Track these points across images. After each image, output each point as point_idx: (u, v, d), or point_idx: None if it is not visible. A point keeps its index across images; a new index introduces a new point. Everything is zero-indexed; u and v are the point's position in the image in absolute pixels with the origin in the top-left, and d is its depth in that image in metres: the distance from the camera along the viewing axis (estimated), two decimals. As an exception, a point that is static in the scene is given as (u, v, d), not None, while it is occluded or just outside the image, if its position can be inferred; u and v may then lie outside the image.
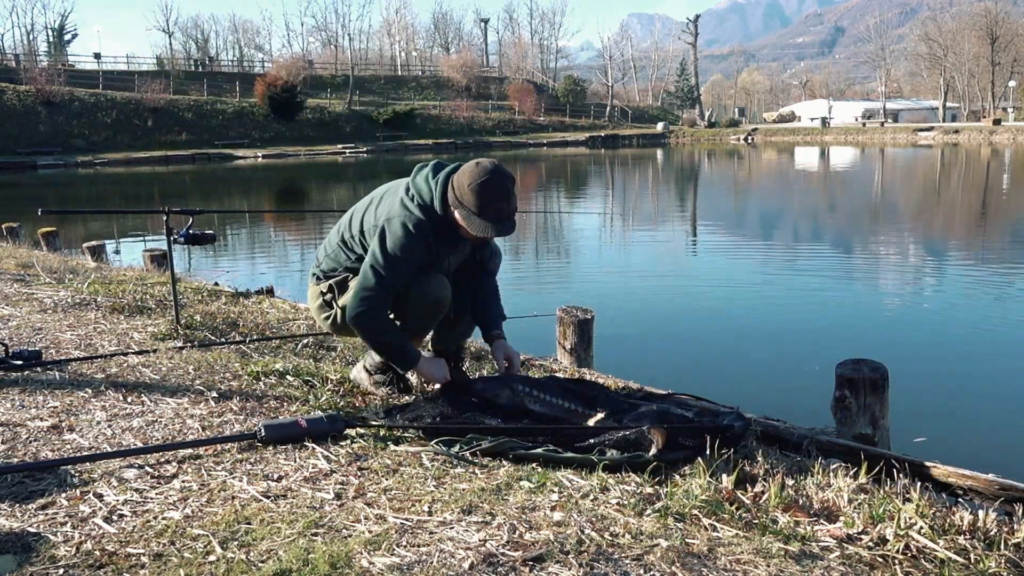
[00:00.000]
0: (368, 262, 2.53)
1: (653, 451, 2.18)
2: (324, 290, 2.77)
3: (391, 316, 2.63)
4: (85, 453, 2.11)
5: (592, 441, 2.26)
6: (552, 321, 3.99)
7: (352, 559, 1.57)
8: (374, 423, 2.34)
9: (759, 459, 2.27)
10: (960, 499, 2.22)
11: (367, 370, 2.86)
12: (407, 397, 2.77)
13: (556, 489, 1.96)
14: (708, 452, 2.22)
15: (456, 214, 2.52)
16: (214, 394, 2.64)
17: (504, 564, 1.57)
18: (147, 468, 2.03)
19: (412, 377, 2.96)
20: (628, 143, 47.91)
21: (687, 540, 1.69)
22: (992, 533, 1.79)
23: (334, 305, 2.74)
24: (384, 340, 2.59)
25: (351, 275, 2.70)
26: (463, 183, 2.49)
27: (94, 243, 7.24)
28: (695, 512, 1.83)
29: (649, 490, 1.97)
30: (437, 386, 2.76)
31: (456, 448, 2.17)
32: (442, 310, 2.70)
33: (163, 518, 1.75)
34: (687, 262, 10.34)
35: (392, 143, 43.44)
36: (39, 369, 2.85)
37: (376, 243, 2.53)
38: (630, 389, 3.06)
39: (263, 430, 2.19)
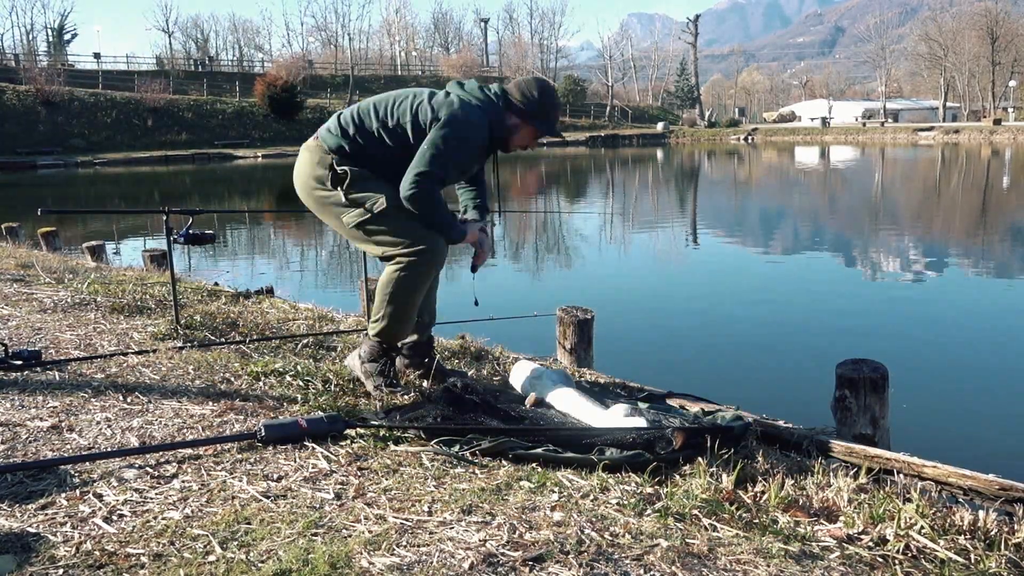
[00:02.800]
0: (433, 141, 2.56)
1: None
2: (339, 162, 2.64)
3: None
4: (85, 453, 2.11)
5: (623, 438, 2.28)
6: (552, 321, 3.99)
7: (352, 559, 1.57)
8: (374, 423, 2.34)
9: (759, 459, 2.27)
10: (960, 499, 2.22)
11: (360, 357, 2.84)
12: (406, 397, 2.77)
13: (556, 489, 1.96)
14: (708, 452, 2.22)
15: (517, 119, 2.70)
16: (214, 394, 2.64)
17: (504, 564, 1.57)
18: (147, 468, 2.03)
19: (400, 363, 2.96)
20: (628, 143, 47.91)
21: (687, 540, 1.69)
22: (992, 533, 1.79)
23: (337, 188, 2.65)
24: (435, 215, 2.64)
25: (374, 173, 2.66)
26: (528, 90, 2.70)
27: (94, 243, 7.24)
28: (695, 512, 1.83)
29: (649, 490, 1.97)
30: (421, 384, 2.78)
31: (456, 448, 2.17)
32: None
33: (163, 518, 1.75)
34: (687, 262, 10.34)
35: (392, 143, 43.39)
36: (39, 369, 2.85)
37: (442, 125, 2.56)
38: (630, 389, 3.06)
39: (263, 430, 2.19)
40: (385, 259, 2.71)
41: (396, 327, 2.75)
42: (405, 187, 2.55)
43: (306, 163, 2.75)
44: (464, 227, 2.77)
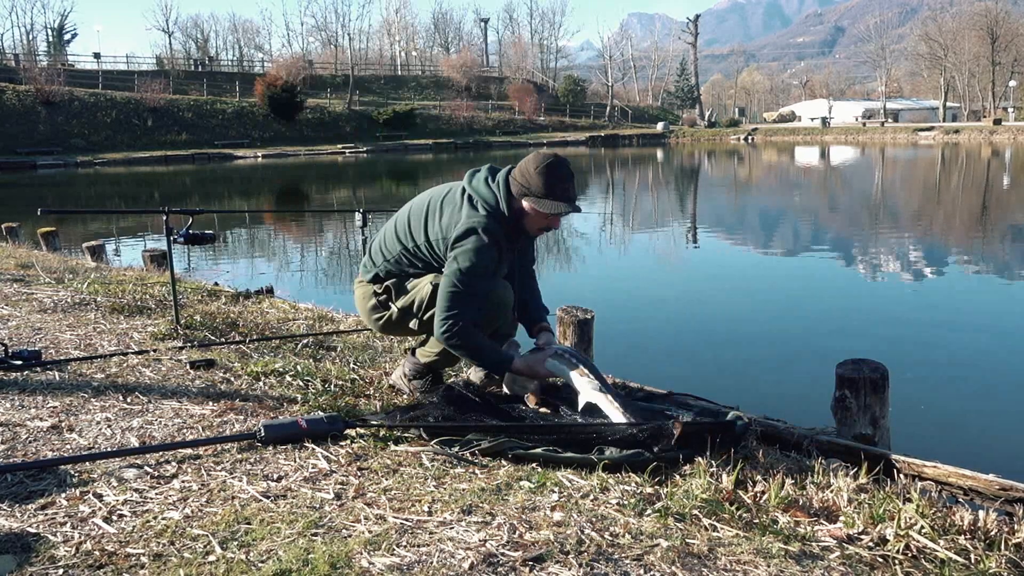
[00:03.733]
0: (449, 279, 2.55)
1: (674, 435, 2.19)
2: (379, 291, 2.79)
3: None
4: (85, 453, 2.11)
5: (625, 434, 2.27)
6: (552, 321, 3.98)
7: (352, 559, 1.57)
8: (374, 423, 2.34)
9: (759, 459, 2.27)
10: (960, 499, 2.21)
11: (406, 376, 2.87)
12: (406, 398, 2.77)
13: (556, 489, 1.96)
14: (708, 452, 2.21)
15: (524, 204, 2.59)
16: (214, 394, 2.64)
17: (504, 564, 1.57)
18: (147, 468, 2.03)
19: (476, 376, 2.96)
20: (628, 143, 47.89)
21: (687, 540, 1.69)
22: (992, 533, 1.79)
23: (390, 306, 2.78)
24: (480, 356, 2.65)
25: (411, 278, 2.76)
26: (528, 170, 2.56)
27: (94, 243, 7.24)
28: (695, 512, 1.83)
29: (649, 490, 1.97)
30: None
31: (456, 448, 2.17)
32: (507, 311, 2.75)
33: (163, 518, 1.75)
34: (687, 262, 10.34)
35: (392, 143, 43.43)
36: (39, 369, 2.85)
37: (453, 259, 2.55)
38: (630, 389, 3.06)
39: (263, 430, 2.19)
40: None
41: (445, 363, 2.87)
42: (438, 333, 2.58)
43: (359, 300, 2.89)
44: (511, 353, 2.69)
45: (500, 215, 2.59)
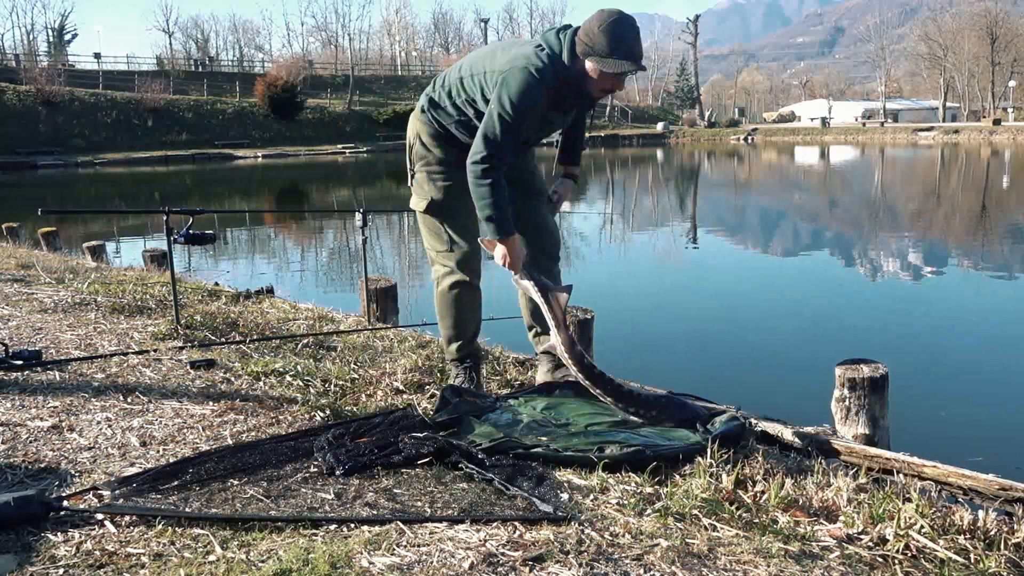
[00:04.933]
0: (494, 111, 2.44)
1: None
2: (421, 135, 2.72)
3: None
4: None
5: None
6: (552, 321, 3.98)
7: (352, 559, 1.57)
8: (87, 509, 1.76)
9: (759, 459, 2.27)
10: (960, 499, 2.21)
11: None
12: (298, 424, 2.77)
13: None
14: (707, 452, 2.22)
15: (588, 64, 2.46)
16: (214, 394, 2.64)
17: (504, 564, 1.57)
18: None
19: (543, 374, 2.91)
20: (628, 143, 47.88)
21: (687, 540, 1.69)
22: (992, 533, 1.79)
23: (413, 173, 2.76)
24: (490, 199, 2.48)
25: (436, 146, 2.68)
26: (592, 28, 2.43)
27: (94, 243, 7.24)
28: (695, 512, 1.83)
29: (649, 490, 1.98)
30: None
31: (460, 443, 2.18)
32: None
33: (163, 517, 1.75)
34: (687, 262, 10.34)
35: (392, 143, 43.31)
36: (39, 369, 2.86)
37: (500, 91, 2.45)
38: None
39: None
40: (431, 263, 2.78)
41: (448, 344, 2.86)
42: (474, 157, 2.48)
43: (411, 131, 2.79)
44: (511, 228, 2.54)
45: (560, 66, 2.46)
